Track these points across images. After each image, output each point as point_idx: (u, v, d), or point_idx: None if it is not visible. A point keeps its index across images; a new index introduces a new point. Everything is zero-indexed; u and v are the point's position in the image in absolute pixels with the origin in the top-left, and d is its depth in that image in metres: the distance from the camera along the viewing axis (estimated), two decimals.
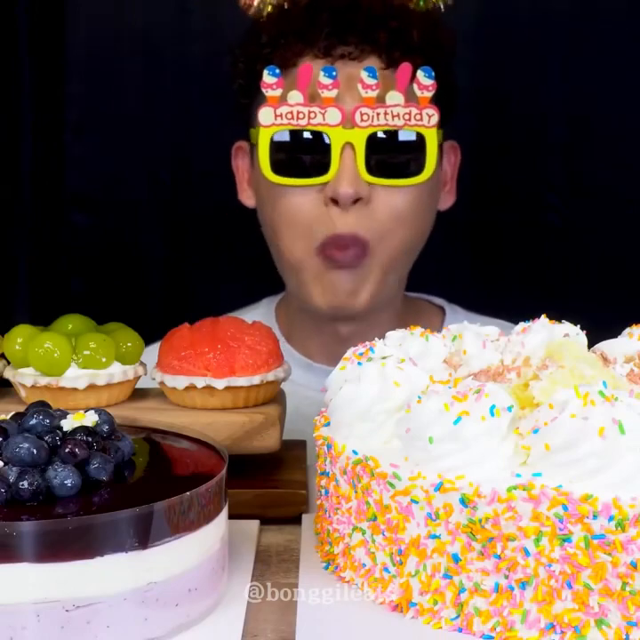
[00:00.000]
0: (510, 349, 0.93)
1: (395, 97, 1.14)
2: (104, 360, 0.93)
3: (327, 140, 1.15)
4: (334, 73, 1.13)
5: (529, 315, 0.97)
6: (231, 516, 0.76)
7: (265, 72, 1.13)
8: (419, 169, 1.18)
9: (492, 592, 0.66)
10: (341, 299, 1.21)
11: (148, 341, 0.99)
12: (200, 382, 0.92)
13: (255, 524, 0.86)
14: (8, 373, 0.96)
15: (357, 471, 0.72)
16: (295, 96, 1.14)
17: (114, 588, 0.64)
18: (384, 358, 0.77)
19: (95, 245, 1.69)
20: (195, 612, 0.69)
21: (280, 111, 1.14)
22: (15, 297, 1.69)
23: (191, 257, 1.69)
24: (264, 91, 1.14)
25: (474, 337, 0.91)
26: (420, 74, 1.13)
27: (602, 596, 0.64)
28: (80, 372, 0.93)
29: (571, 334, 0.93)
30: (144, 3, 1.61)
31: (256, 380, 0.93)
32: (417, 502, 0.68)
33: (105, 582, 0.63)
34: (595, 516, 0.63)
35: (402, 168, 1.18)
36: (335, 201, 1.16)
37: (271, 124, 1.15)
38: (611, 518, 0.63)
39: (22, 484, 0.66)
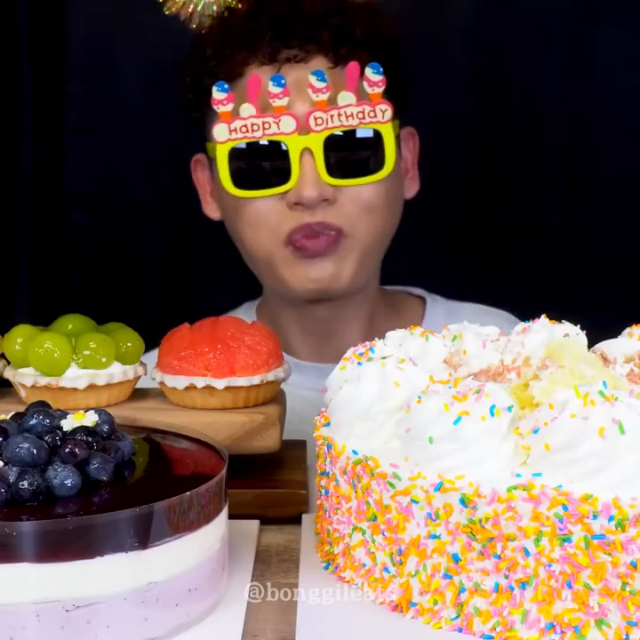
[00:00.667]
0: (510, 349, 0.93)
1: (346, 97, 1.15)
2: (104, 360, 0.93)
3: (285, 148, 1.15)
4: (283, 81, 1.13)
5: (529, 314, 0.97)
6: (231, 516, 0.76)
7: (214, 89, 1.13)
8: (379, 165, 1.19)
9: (492, 592, 0.66)
10: (319, 284, 1.21)
11: (148, 341, 0.99)
12: (200, 382, 0.92)
13: (255, 523, 0.87)
14: (8, 373, 0.96)
15: (357, 471, 0.72)
16: (247, 108, 1.14)
17: (114, 588, 0.64)
18: (384, 358, 0.77)
19: (95, 245, 1.69)
20: (195, 612, 0.69)
21: (234, 126, 1.14)
22: (15, 297, 1.68)
23: (191, 257, 1.68)
24: (215, 107, 1.14)
25: (474, 337, 0.91)
26: (368, 71, 1.14)
27: (602, 596, 0.64)
28: (80, 372, 0.93)
29: (571, 334, 0.93)
30: (144, 2, 1.61)
31: (256, 380, 0.93)
32: (417, 502, 0.68)
33: (105, 582, 0.63)
34: (595, 516, 0.63)
35: (362, 166, 1.19)
36: (298, 205, 1.17)
37: (227, 139, 1.15)
38: (611, 518, 0.63)
39: (22, 484, 0.66)
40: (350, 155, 1.18)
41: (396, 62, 1.22)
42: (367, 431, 0.74)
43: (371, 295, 1.32)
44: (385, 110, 1.16)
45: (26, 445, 0.68)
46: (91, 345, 0.93)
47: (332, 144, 1.16)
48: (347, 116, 1.14)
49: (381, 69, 1.14)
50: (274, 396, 0.96)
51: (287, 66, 1.18)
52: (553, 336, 0.92)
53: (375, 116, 1.15)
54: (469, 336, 0.91)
